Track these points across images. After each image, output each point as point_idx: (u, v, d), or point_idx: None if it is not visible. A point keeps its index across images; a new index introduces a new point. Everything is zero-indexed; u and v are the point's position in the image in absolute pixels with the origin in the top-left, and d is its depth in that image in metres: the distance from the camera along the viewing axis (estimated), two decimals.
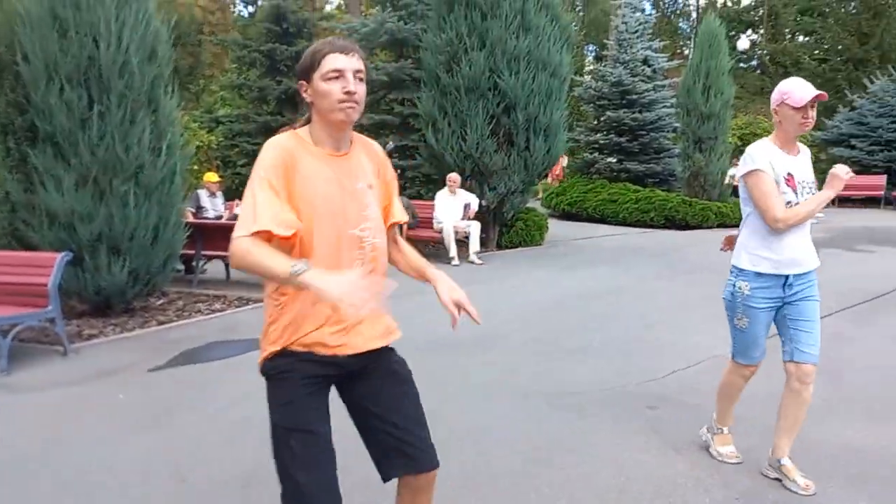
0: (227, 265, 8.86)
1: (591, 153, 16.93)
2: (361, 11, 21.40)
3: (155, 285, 6.89)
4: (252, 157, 12.53)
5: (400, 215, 2.13)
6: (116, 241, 6.30)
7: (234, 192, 13.68)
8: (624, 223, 14.55)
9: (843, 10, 28.88)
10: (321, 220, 1.86)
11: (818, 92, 2.87)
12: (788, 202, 2.96)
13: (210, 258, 8.84)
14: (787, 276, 3.04)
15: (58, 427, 4.01)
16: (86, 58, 6.08)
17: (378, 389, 2.01)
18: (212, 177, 10.49)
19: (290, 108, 15.55)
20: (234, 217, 9.27)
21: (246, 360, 5.18)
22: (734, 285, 3.14)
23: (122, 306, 6.74)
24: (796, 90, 2.89)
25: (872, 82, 20.43)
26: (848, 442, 3.56)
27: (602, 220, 15.00)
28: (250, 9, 32.08)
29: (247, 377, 4.71)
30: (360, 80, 1.89)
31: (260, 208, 1.78)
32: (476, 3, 10.22)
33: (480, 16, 10.21)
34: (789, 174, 2.98)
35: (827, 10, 29.76)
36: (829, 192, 3.02)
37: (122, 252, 6.34)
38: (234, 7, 36.41)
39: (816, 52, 29.29)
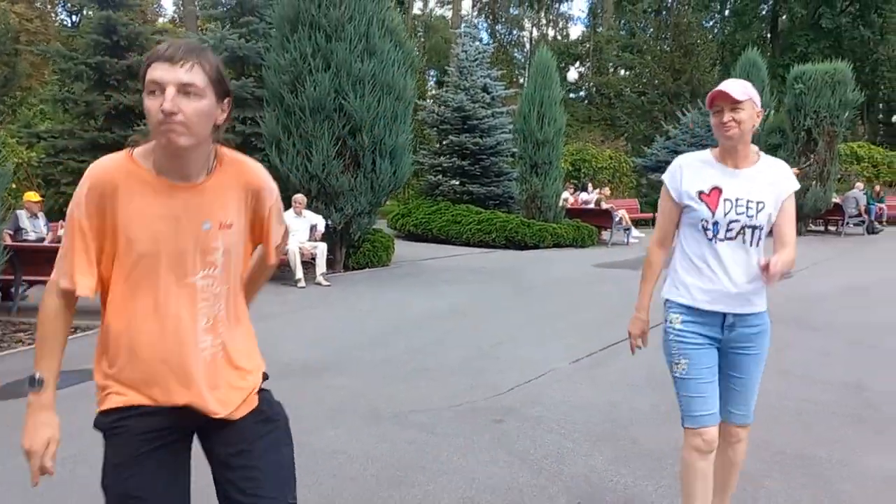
0: None
1: (435, 175, 17.38)
2: (198, 27, 20.66)
3: None
4: (78, 175, 11.68)
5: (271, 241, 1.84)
6: None
7: (57, 212, 12.64)
8: (467, 244, 15.02)
9: (658, 48, 31.59)
10: (146, 266, 1.59)
11: (718, 89, 2.37)
12: (703, 220, 2.44)
13: (32, 283, 8.12)
14: (724, 315, 2.46)
15: None
16: None
17: (244, 441, 1.70)
18: (32, 196, 9.70)
19: (120, 125, 14.63)
20: (59, 239, 8.63)
21: (73, 392, 4.81)
22: (666, 321, 2.56)
23: None
24: (710, 94, 2.43)
25: (685, 114, 22.51)
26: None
27: (447, 241, 15.39)
28: (74, 18, 30.06)
29: (72, 412, 4.37)
30: (191, 94, 1.53)
31: (64, 260, 1.62)
32: (320, 24, 10.22)
33: (325, 37, 10.21)
34: (715, 188, 2.45)
35: (644, 47, 32.47)
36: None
37: None
38: (56, 16, 33.97)
39: (637, 85, 31.78)
